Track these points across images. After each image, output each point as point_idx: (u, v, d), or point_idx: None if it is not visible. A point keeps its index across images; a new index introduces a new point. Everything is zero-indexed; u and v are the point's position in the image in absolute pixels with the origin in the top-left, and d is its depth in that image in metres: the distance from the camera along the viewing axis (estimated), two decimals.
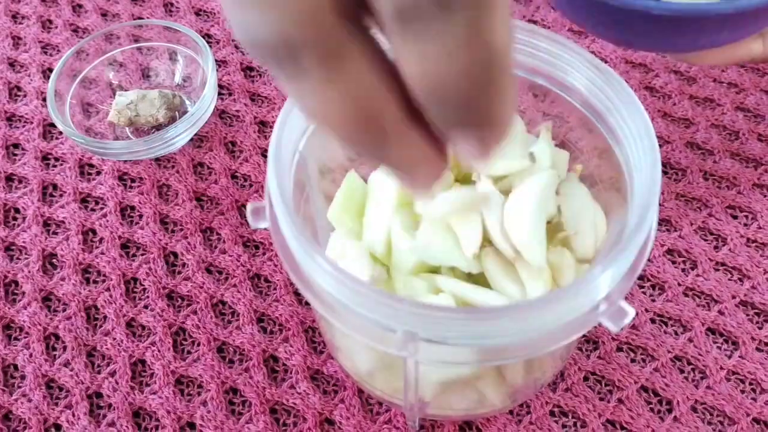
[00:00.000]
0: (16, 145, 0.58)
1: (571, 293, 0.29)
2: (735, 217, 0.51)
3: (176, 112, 0.57)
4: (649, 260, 0.49)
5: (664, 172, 0.53)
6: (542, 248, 0.34)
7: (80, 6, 0.66)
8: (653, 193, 0.31)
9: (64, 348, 0.47)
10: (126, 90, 0.59)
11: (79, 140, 0.52)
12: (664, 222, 0.51)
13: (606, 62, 0.60)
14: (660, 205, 0.51)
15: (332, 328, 0.41)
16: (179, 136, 0.53)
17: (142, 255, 0.51)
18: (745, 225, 0.51)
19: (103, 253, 0.51)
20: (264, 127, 0.57)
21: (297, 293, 0.48)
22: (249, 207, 0.34)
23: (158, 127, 0.57)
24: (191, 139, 0.56)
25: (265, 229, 0.34)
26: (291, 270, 0.32)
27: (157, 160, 0.55)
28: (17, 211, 0.54)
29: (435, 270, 0.35)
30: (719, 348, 0.46)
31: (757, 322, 0.46)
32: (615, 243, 0.33)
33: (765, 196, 0.52)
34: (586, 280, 0.29)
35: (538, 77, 0.38)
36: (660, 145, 0.54)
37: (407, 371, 0.34)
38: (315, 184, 0.39)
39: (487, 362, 0.33)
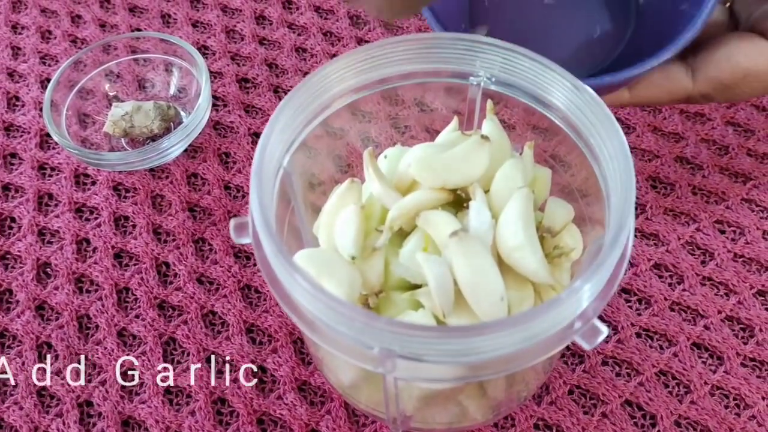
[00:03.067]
0: (13, 155, 0.58)
1: (547, 310, 0.29)
2: (723, 232, 0.51)
3: (171, 123, 0.58)
4: (635, 274, 0.49)
5: (653, 186, 0.54)
6: (537, 254, 0.35)
7: (79, 17, 0.67)
8: (629, 211, 0.31)
9: (56, 356, 0.48)
10: (122, 101, 0.59)
11: (75, 151, 0.53)
12: (651, 236, 0.51)
13: None
14: (648, 219, 0.52)
15: (315, 342, 0.41)
16: (173, 146, 0.54)
17: (135, 265, 0.51)
18: (733, 240, 0.51)
19: (96, 263, 0.52)
20: (258, 138, 0.57)
21: None
22: (232, 222, 0.34)
23: (153, 138, 0.57)
24: (185, 150, 0.57)
25: (248, 243, 0.34)
26: (272, 286, 0.32)
27: (151, 170, 0.56)
28: (13, 220, 0.54)
29: (417, 286, 0.35)
30: (704, 363, 0.46)
31: (743, 338, 0.47)
32: (593, 259, 0.33)
33: (753, 211, 0.52)
34: (561, 298, 0.29)
35: (525, 96, 0.39)
36: (649, 160, 0.55)
37: (386, 387, 0.35)
38: (300, 198, 0.40)
39: (464, 379, 0.34)
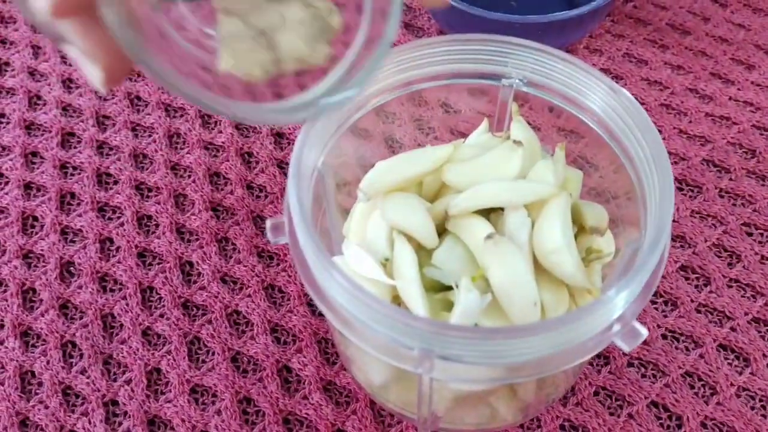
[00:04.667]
0: (34, 154, 0.58)
1: (586, 314, 0.29)
2: (750, 235, 0.51)
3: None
4: (662, 277, 0.49)
5: (680, 189, 0.53)
6: (575, 258, 0.35)
7: None
8: (667, 217, 0.31)
9: (81, 356, 0.48)
10: None
11: None
12: (678, 238, 0.51)
13: (622, 80, 0.61)
14: (675, 221, 0.51)
15: (346, 340, 0.41)
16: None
17: (159, 264, 0.51)
18: (760, 243, 0.51)
19: (120, 262, 0.52)
20: (280, 138, 0.58)
21: (310, 304, 0.49)
22: (268, 223, 0.34)
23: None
24: (207, 149, 0.57)
25: (285, 244, 0.34)
26: (308, 285, 0.32)
27: (173, 169, 0.56)
28: (35, 219, 0.55)
29: (449, 287, 0.35)
30: (730, 364, 0.46)
31: None
32: (629, 263, 0.33)
33: None
34: (601, 302, 0.29)
35: (554, 97, 0.39)
36: (676, 162, 0.55)
37: (422, 387, 0.35)
38: (332, 199, 0.40)
39: (501, 381, 0.34)
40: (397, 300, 0.35)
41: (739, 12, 0.66)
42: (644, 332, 0.30)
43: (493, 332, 0.30)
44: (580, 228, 0.38)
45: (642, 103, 0.58)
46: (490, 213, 0.37)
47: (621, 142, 0.36)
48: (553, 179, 0.36)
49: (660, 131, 0.56)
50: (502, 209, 0.36)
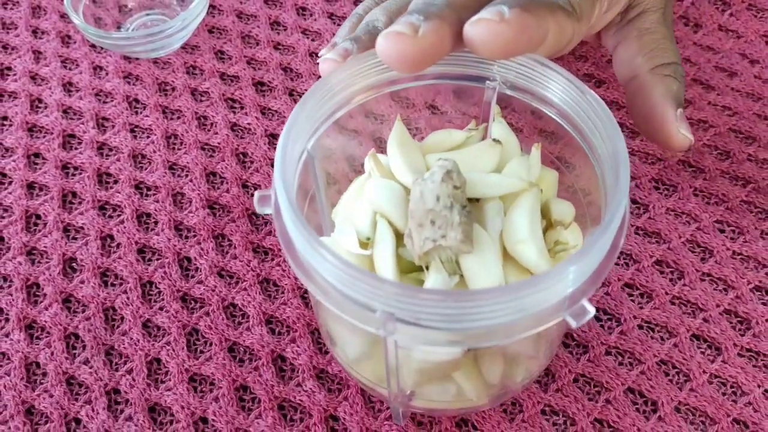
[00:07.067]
0: (37, 155, 0.60)
1: (538, 281, 0.31)
2: (722, 231, 0.54)
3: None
4: (638, 270, 0.51)
5: (656, 188, 0.56)
6: (540, 248, 0.37)
7: (100, 18, 0.69)
8: (618, 206, 0.33)
9: (84, 347, 0.50)
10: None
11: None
12: (654, 234, 0.53)
13: (605, 84, 0.63)
14: (651, 218, 0.54)
15: (326, 315, 0.43)
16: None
17: (158, 260, 0.54)
18: (732, 239, 0.53)
19: (120, 258, 0.54)
20: (273, 139, 0.60)
21: (303, 297, 0.51)
22: (256, 195, 0.37)
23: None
24: (204, 149, 0.59)
25: (269, 214, 0.37)
26: (289, 255, 0.35)
27: (171, 168, 0.58)
28: (38, 217, 0.57)
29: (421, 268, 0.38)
30: (703, 353, 0.48)
31: (740, 330, 0.49)
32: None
33: (752, 212, 0.54)
34: (552, 272, 0.32)
35: (533, 99, 0.41)
36: (653, 163, 0.57)
37: (388, 353, 0.37)
38: (322, 184, 0.43)
39: (459, 344, 0.36)
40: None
41: (726, 21, 0.68)
42: (591, 310, 0.33)
43: (450, 294, 0.32)
44: (550, 222, 0.40)
45: (623, 107, 0.61)
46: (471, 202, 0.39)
47: (587, 138, 0.39)
48: (526, 176, 0.39)
49: (639, 133, 0.59)
50: (477, 200, 0.39)
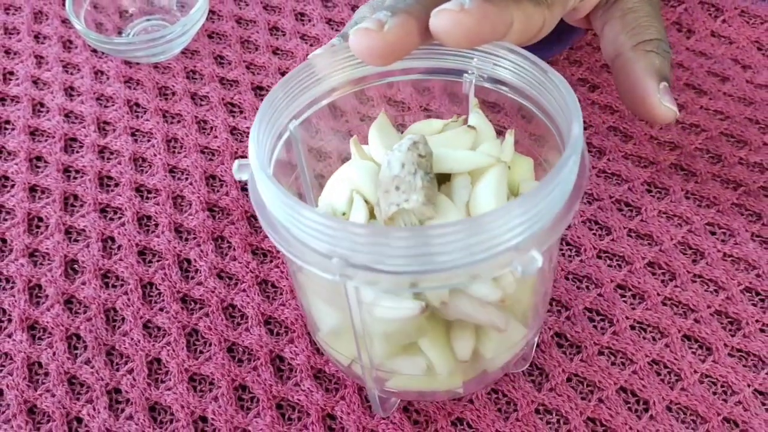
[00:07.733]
0: (39, 158, 0.61)
1: (482, 220, 0.32)
2: (713, 233, 0.55)
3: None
4: (630, 272, 0.52)
5: (648, 191, 0.57)
6: None
7: (101, 24, 0.70)
8: (561, 169, 0.34)
9: (85, 347, 0.51)
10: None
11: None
12: (646, 236, 0.54)
13: (599, 88, 0.64)
14: (643, 221, 0.55)
15: (304, 293, 0.44)
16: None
17: (158, 261, 0.55)
18: (723, 241, 0.54)
19: (121, 260, 0.55)
20: None
21: None
22: (236, 163, 0.39)
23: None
24: (203, 153, 0.60)
25: (245, 181, 0.39)
26: (260, 214, 0.37)
27: (171, 172, 0.59)
28: (40, 219, 0.58)
29: None
30: (694, 353, 0.49)
31: (730, 330, 0.50)
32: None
33: (743, 215, 0.55)
34: (495, 212, 0.33)
35: (509, 91, 0.43)
36: (645, 166, 0.58)
37: (352, 312, 0.38)
38: (305, 163, 0.44)
39: (415, 289, 0.37)
40: None
41: (718, 28, 0.69)
42: (539, 259, 0.33)
43: (399, 231, 0.34)
44: None
45: (616, 110, 0.62)
46: (444, 182, 0.41)
47: (553, 118, 0.40)
48: (497, 155, 0.41)
49: (631, 137, 0.60)
50: (449, 178, 0.40)
